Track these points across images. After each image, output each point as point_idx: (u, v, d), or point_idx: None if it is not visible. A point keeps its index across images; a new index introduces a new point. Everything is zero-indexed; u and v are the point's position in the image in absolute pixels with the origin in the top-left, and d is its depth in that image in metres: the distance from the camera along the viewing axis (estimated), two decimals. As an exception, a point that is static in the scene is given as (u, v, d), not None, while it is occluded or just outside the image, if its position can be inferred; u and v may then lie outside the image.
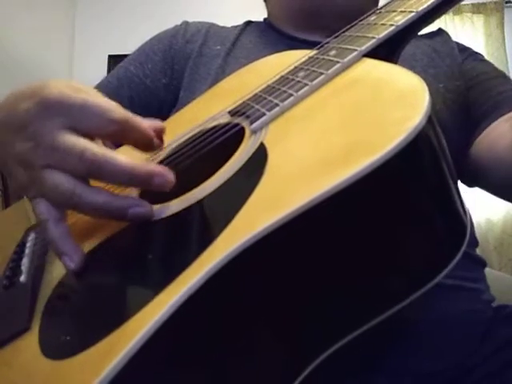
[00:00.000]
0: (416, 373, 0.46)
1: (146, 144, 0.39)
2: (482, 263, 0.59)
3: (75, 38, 3.07)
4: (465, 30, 2.73)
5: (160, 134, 0.41)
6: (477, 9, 2.74)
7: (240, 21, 0.77)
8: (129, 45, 0.78)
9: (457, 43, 0.71)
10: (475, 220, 2.51)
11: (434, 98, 0.59)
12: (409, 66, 0.63)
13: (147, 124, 0.39)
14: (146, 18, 2.84)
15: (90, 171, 0.34)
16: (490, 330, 0.50)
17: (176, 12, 2.87)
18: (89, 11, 3.07)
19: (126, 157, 0.35)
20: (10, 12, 2.45)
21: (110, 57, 2.87)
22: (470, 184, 0.64)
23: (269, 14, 0.77)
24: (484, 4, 2.74)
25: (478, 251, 0.62)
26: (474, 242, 0.61)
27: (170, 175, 0.35)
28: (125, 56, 0.74)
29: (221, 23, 0.77)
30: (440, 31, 0.72)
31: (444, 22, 2.67)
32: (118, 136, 0.37)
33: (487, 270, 0.61)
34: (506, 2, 2.77)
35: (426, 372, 0.46)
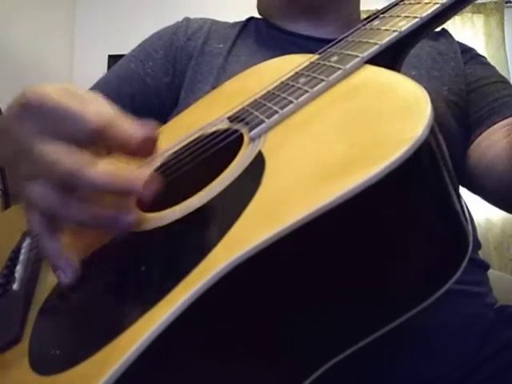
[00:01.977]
0: (422, 378, 0.46)
1: (131, 151, 0.35)
2: (484, 266, 0.59)
3: (75, 37, 3.06)
4: (465, 30, 2.73)
5: (150, 141, 0.36)
6: (477, 9, 2.74)
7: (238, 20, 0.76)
8: (129, 45, 0.77)
9: (460, 44, 0.70)
10: (475, 220, 2.50)
11: (438, 101, 0.59)
12: (413, 67, 0.63)
13: (135, 129, 0.35)
14: (146, 18, 2.84)
15: (64, 181, 0.32)
16: (492, 332, 0.50)
17: (176, 12, 2.87)
18: (89, 11, 3.07)
19: (107, 165, 0.33)
20: (11, 12, 2.45)
21: (110, 57, 2.87)
22: (468, 189, 0.64)
23: (258, 7, 0.75)
24: (484, 4, 2.74)
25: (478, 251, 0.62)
26: (477, 245, 0.61)
27: (152, 185, 0.33)
28: (125, 56, 0.74)
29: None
30: (444, 32, 0.72)
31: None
32: (100, 142, 0.35)
33: (488, 271, 0.60)
34: (506, 2, 2.77)
35: (432, 376, 0.46)
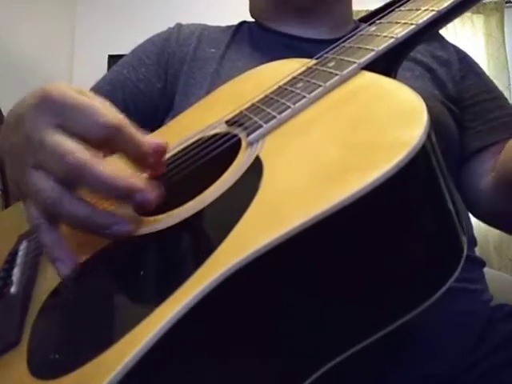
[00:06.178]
0: (416, 376, 0.46)
1: (139, 159, 0.36)
2: (480, 263, 0.60)
3: (75, 37, 3.06)
4: (465, 30, 2.73)
5: (160, 153, 0.37)
6: (477, 9, 2.73)
7: (239, 19, 0.76)
8: (129, 45, 0.77)
9: (454, 47, 0.72)
10: (475, 220, 2.50)
11: (433, 100, 0.60)
12: (408, 69, 0.64)
13: (147, 140, 0.36)
14: (146, 18, 2.84)
15: (70, 175, 0.33)
16: (489, 329, 0.50)
17: (176, 12, 2.87)
18: (89, 11, 3.06)
19: (113, 167, 0.33)
20: (11, 12, 2.45)
21: (110, 57, 2.87)
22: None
23: (251, 10, 0.76)
24: (484, 4, 2.73)
25: (478, 251, 0.63)
26: (473, 242, 0.61)
27: (152, 194, 0.34)
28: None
29: (220, 24, 0.77)
30: (437, 36, 0.72)
31: (444, 22, 2.67)
32: (110, 143, 0.35)
33: (487, 270, 0.61)
34: (506, 2, 2.77)
35: (426, 374, 0.46)
